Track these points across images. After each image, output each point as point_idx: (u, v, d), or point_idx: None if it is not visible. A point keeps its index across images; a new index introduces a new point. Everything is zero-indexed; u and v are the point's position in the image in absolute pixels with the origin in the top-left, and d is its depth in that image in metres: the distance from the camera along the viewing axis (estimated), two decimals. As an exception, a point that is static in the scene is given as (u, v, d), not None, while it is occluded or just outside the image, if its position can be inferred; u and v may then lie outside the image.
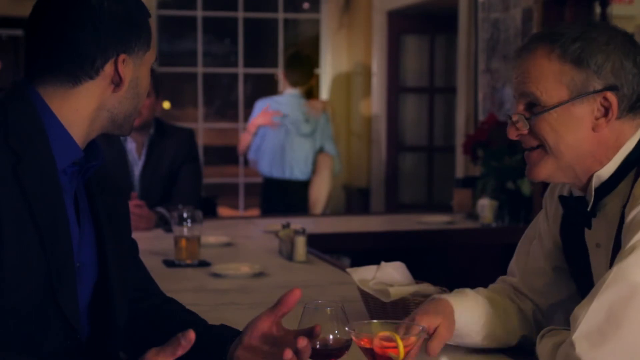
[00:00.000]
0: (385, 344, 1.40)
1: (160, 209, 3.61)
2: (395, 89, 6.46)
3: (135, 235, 1.70)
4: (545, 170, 1.59)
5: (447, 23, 5.84)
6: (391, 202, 6.44)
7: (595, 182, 1.57)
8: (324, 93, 6.62)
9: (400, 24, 6.39)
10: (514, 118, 1.59)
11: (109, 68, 1.43)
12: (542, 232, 1.80)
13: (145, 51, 1.48)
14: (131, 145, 3.81)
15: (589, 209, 1.59)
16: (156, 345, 1.25)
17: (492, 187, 4.13)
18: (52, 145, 1.41)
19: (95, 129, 1.48)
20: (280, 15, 6.63)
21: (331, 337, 1.45)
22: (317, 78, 6.10)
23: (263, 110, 5.34)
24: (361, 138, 6.58)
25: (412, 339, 1.42)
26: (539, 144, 1.58)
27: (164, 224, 3.52)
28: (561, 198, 1.68)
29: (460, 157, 5.30)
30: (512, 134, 1.61)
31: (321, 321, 1.45)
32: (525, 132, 1.59)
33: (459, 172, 5.33)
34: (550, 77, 1.55)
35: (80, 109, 1.45)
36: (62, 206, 1.41)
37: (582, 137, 1.55)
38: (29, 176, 1.36)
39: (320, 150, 5.45)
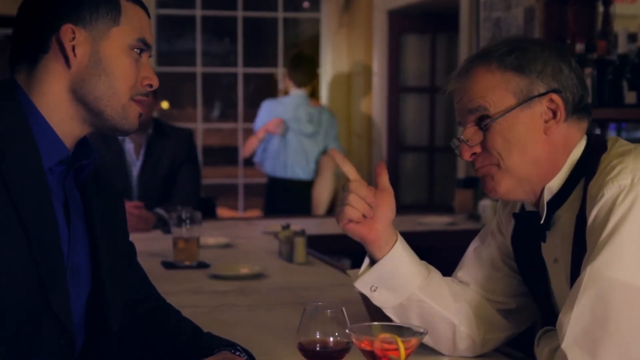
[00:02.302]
0: (386, 346, 1.38)
1: (159, 210, 3.59)
2: (396, 88, 6.44)
3: (133, 236, 1.69)
4: (503, 186, 1.60)
5: (448, 22, 5.83)
6: (392, 203, 6.40)
7: (546, 195, 1.59)
8: (324, 93, 6.60)
9: (401, 23, 6.37)
10: (465, 136, 1.60)
11: (56, 40, 1.41)
12: (498, 242, 1.80)
13: (111, 27, 1.43)
14: (129, 145, 3.79)
15: (542, 222, 1.60)
16: (147, 352, 1.22)
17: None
18: (37, 143, 1.39)
19: (75, 117, 1.44)
20: (280, 15, 6.61)
21: (331, 339, 1.44)
22: (317, 78, 6.08)
23: (274, 120, 5.35)
24: (361, 138, 6.56)
25: (413, 340, 1.40)
26: (492, 162, 1.59)
27: (163, 225, 3.51)
28: (514, 215, 1.69)
29: (461, 157, 5.27)
30: (466, 154, 1.62)
31: (321, 323, 1.44)
32: (479, 150, 1.59)
33: (460, 173, 5.30)
34: (496, 88, 1.57)
35: (47, 92, 1.42)
36: (49, 205, 1.38)
37: (535, 142, 1.57)
38: (14, 174, 1.33)
39: (324, 151, 5.45)
